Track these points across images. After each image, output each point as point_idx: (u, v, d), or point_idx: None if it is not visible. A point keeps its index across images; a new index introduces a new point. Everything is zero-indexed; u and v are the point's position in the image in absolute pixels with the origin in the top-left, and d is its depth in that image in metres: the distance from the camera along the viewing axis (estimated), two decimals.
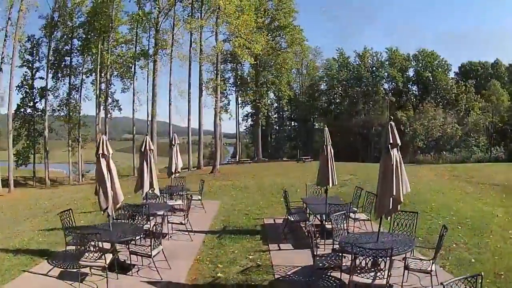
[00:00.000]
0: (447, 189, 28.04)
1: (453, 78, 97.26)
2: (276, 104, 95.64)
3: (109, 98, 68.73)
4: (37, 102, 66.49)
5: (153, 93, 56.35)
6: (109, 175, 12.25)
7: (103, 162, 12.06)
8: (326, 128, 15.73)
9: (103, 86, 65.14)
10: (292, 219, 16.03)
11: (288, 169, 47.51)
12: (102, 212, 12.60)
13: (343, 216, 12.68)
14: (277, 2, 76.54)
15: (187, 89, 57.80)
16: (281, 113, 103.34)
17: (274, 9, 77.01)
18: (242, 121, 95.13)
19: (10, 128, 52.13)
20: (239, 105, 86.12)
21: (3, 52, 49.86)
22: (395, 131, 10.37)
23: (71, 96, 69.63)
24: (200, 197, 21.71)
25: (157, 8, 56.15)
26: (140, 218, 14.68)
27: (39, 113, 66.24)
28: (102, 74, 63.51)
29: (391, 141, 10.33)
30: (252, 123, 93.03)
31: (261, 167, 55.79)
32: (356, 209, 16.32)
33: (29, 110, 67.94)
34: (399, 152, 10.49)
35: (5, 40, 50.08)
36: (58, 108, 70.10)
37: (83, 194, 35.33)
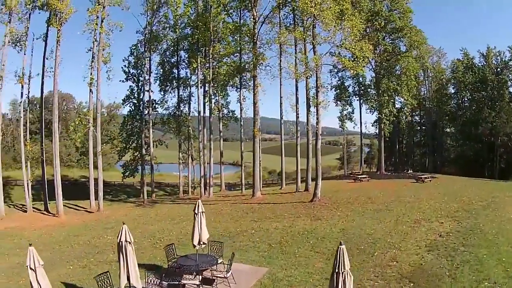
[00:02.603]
0: None
1: None
2: (406, 108, 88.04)
3: (224, 109, 67.43)
4: (145, 115, 65.23)
5: (254, 111, 51.54)
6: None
7: (31, 275, 12.64)
8: (343, 246, 10.63)
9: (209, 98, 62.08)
10: None
11: (398, 196, 41.92)
12: None
13: None
14: (390, 3, 70.18)
15: (295, 104, 53.81)
16: (409, 118, 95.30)
17: (388, 10, 70.58)
18: (372, 126, 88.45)
19: (99, 149, 50.35)
20: (366, 112, 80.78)
21: (91, 73, 48.55)
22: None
23: (180, 109, 68.66)
24: (227, 274, 17.94)
25: (251, 19, 51.14)
26: None
27: (147, 125, 65.25)
28: (207, 87, 60.51)
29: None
30: (376, 131, 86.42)
31: (374, 188, 51.16)
32: None
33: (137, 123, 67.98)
34: None
35: (92, 61, 48.75)
36: (167, 120, 70.20)
37: (161, 226, 35.48)
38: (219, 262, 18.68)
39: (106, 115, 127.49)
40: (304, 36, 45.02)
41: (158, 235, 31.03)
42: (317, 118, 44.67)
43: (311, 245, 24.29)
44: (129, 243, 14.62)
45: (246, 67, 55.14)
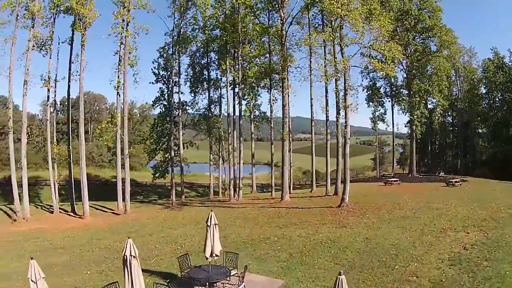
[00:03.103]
0: None
1: None
2: (438, 109, 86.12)
3: (256, 111, 67.53)
4: (175, 117, 65.54)
5: (283, 114, 50.89)
6: None
7: (33, 287, 12.79)
8: (342, 277, 10.99)
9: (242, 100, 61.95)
10: None
11: (427, 202, 40.81)
12: None
13: None
14: (419, 1, 69.73)
15: (325, 106, 53.60)
16: (441, 119, 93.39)
17: (417, 8, 69.67)
18: (405, 127, 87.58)
19: (126, 152, 50.05)
20: (399, 113, 79.67)
21: (118, 76, 48.58)
22: None
23: (211, 111, 68.70)
24: (238, 287, 17.61)
25: (279, 20, 50.33)
26: None
27: (177, 127, 65.59)
28: (237, 89, 59.99)
29: None
30: (408, 132, 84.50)
31: (404, 192, 50.59)
32: None
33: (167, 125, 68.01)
34: None
35: (119, 64, 48.65)
36: (197, 122, 70.75)
37: (184, 231, 34.23)
38: (232, 274, 18.27)
39: (138, 115, 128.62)
40: (333, 38, 44.08)
41: (180, 241, 30.78)
42: (346, 122, 43.81)
43: (332, 256, 23.65)
44: (134, 257, 14.39)
45: (276, 68, 54.28)
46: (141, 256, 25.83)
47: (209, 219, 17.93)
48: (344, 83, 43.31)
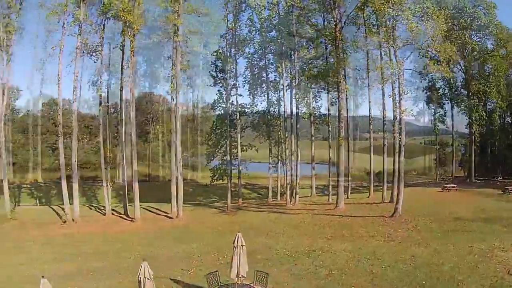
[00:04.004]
0: None
1: None
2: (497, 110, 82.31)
3: (315, 112, 67.14)
4: (233, 119, 65.44)
5: (339, 119, 50.03)
6: None
7: None
8: None
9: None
10: None
11: (480, 213, 39.41)
12: None
13: None
14: None
15: (382, 110, 52.99)
16: (499, 120, 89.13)
17: (472, 5, 66.98)
18: (466, 129, 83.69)
19: (179, 157, 50.12)
20: (458, 115, 76.88)
21: (171, 81, 49.05)
22: None
23: (270, 113, 68.12)
24: None
25: (332, 22, 49.14)
26: None
27: (236, 129, 65.52)
28: (294, 91, 59.51)
29: None
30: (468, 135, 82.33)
31: (459, 200, 49.27)
32: None
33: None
34: None
35: (172, 68, 49.02)
36: (256, 124, 70.16)
37: (231, 239, 32.55)
38: None
39: (200, 116, 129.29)
40: (386, 39, 42.63)
41: (224, 251, 29.51)
42: (400, 129, 42.44)
43: (372, 276, 22.75)
44: (148, 279, 14.89)
45: (332, 70, 52.72)
46: (181, 266, 25.67)
47: (235, 240, 17.75)
48: (399, 87, 41.95)
